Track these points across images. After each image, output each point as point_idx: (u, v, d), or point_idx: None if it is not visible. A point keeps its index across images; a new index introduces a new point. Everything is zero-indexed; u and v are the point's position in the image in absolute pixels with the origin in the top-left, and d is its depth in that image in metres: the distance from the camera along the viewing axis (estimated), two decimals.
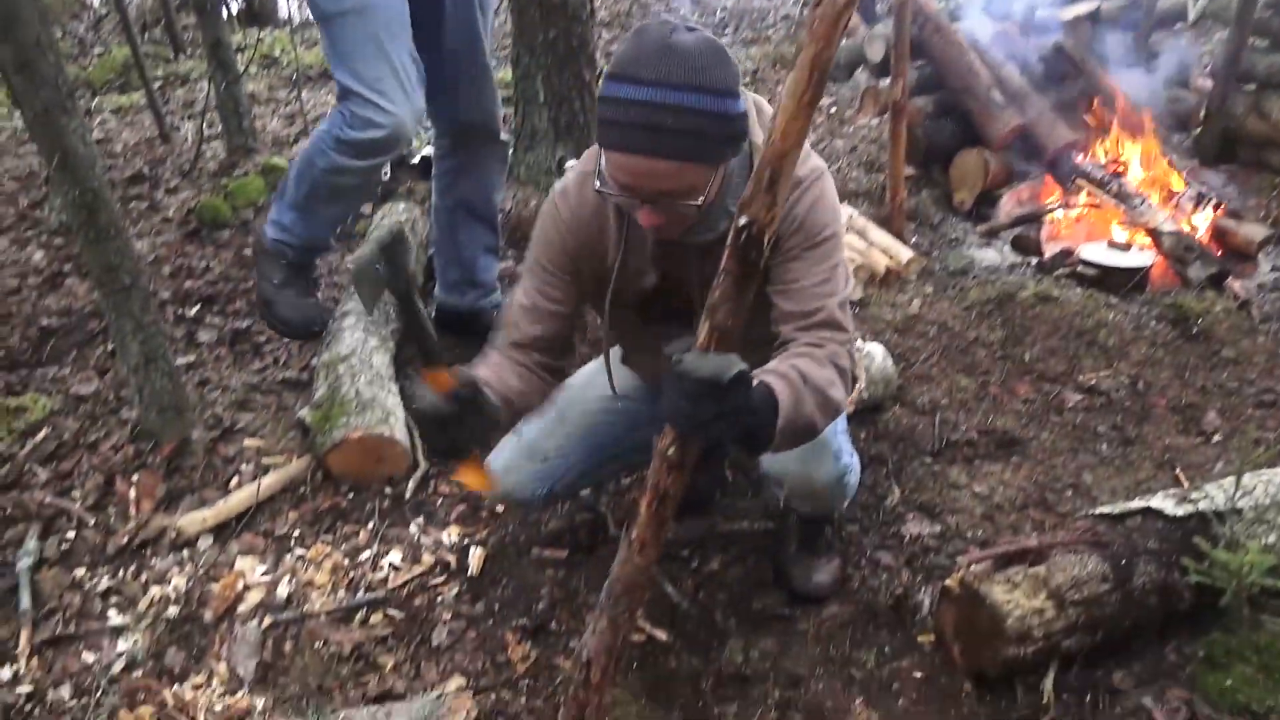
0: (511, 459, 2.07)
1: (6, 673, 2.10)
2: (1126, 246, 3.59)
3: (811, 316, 1.63)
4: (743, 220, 1.12)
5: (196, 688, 2.04)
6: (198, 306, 3.44)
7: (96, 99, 6.04)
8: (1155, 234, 3.62)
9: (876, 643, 2.08)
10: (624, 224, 1.72)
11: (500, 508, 2.50)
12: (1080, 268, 3.53)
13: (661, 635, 2.10)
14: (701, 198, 1.51)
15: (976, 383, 2.94)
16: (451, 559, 2.36)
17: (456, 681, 2.02)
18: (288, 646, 2.14)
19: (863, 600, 2.17)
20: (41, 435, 2.77)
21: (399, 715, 1.89)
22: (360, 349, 2.81)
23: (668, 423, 1.30)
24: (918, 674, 1.99)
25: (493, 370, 1.76)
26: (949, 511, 2.41)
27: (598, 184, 1.58)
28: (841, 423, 1.95)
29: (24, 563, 2.32)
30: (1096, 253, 3.56)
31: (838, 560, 2.23)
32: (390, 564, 2.35)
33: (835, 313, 1.64)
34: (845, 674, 2.00)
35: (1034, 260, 3.82)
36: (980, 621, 1.86)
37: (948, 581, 1.95)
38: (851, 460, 2.02)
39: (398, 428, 2.60)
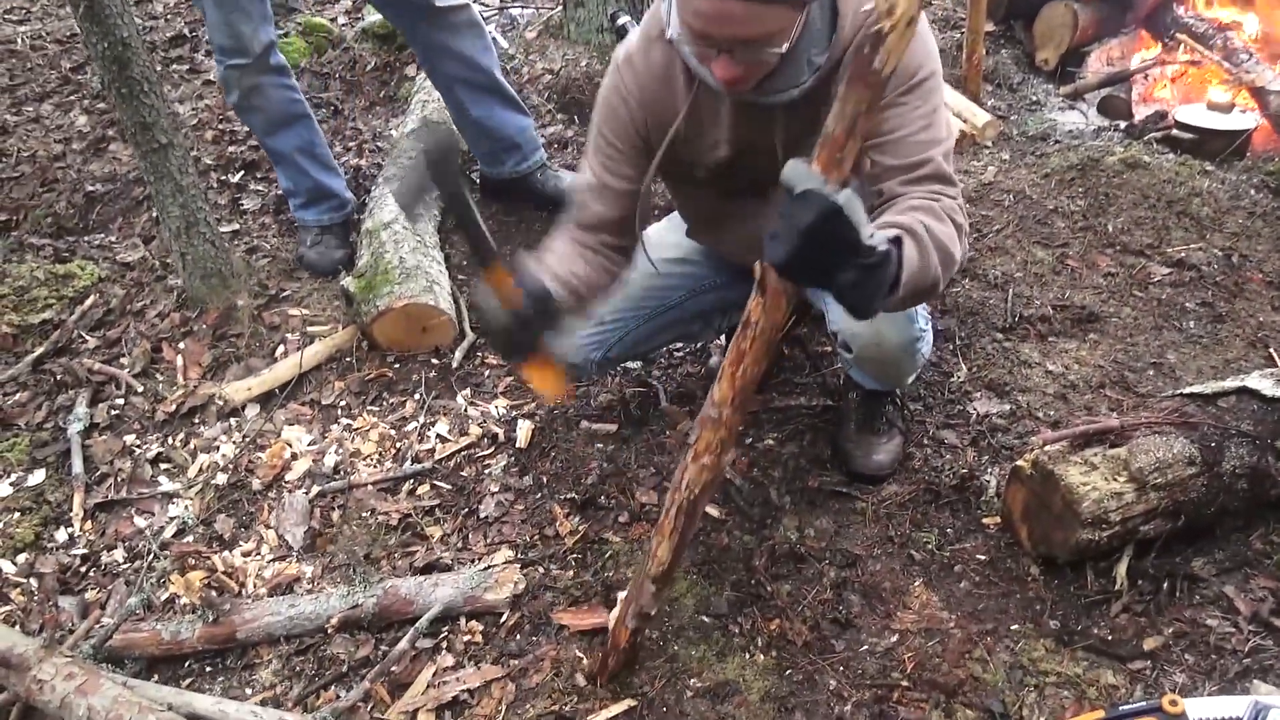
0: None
1: (62, 535, 2.12)
2: (1227, 108, 3.28)
3: (917, 169, 1.48)
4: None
5: (246, 554, 2.05)
6: (241, 173, 3.36)
7: None
8: (1260, 94, 3.31)
9: (938, 524, 1.99)
10: (695, 90, 1.58)
11: None
12: (1174, 131, 3.24)
13: (714, 511, 2.03)
14: (785, 44, 1.38)
15: (1054, 255, 2.75)
16: (499, 431, 2.31)
17: (504, 554, 1.99)
18: (335, 515, 2.13)
19: (925, 480, 2.08)
20: (89, 302, 2.75)
21: (446, 585, 1.87)
22: (403, 216, 2.71)
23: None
24: (981, 556, 1.91)
25: (560, 260, 1.67)
26: (1019, 390, 2.28)
27: (670, 34, 1.46)
28: None
29: (75, 428, 2.32)
30: (1193, 115, 3.26)
31: (899, 439, 2.13)
32: (437, 435, 2.31)
33: (942, 164, 1.49)
34: (904, 555, 1.93)
35: (1122, 124, 3.52)
36: (1053, 504, 1.76)
37: (1019, 461, 1.84)
38: (926, 329, 1.89)
39: (442, 297, 2.52)
